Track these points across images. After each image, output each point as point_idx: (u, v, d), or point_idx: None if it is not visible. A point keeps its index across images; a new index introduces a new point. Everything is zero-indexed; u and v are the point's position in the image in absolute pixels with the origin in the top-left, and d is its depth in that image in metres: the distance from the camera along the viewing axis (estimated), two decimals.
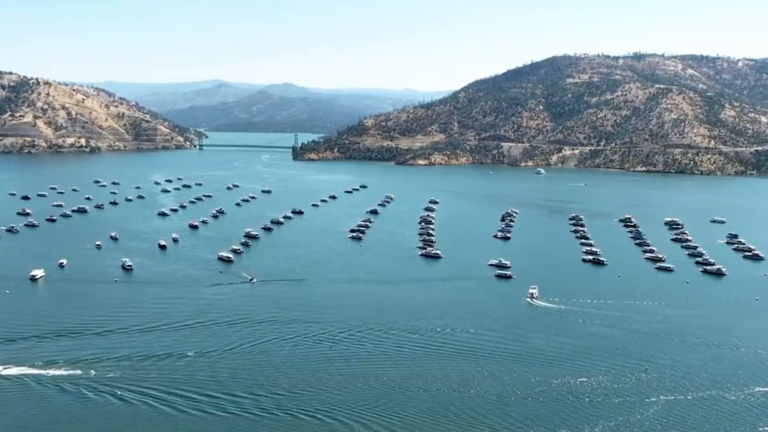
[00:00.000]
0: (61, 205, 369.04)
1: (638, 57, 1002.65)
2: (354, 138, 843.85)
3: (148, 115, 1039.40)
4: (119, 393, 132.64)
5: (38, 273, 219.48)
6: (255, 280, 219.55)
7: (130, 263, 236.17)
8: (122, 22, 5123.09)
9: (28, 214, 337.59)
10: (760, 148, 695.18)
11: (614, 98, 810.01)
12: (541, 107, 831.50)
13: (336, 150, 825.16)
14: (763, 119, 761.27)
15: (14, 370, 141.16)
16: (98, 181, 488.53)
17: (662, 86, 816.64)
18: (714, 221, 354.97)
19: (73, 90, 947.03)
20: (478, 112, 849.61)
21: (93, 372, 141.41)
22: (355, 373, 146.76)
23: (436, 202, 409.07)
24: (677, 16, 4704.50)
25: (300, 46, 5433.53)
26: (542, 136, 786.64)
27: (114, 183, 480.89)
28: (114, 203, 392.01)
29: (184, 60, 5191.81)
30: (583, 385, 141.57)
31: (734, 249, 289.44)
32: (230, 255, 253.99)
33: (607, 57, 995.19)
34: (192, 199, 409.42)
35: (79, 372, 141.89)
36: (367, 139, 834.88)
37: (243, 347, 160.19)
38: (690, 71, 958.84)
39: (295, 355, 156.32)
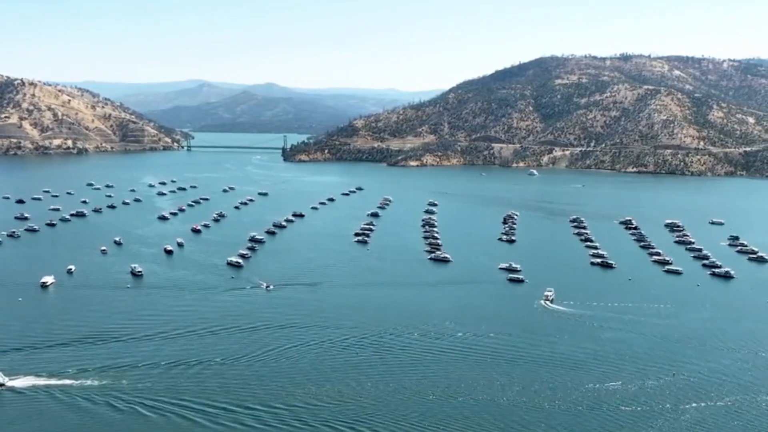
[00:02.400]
0: (58, 209, 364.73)
1: (625, 58, 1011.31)
2: (344, 139, 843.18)
3: (133, 116, 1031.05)
4: (148, 404, 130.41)
5: (49, 280, 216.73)
6: (271, 287, 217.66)
7: (140, 269, 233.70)
8: (100, 22, 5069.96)
9: (26, 219, 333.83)
10: (748, 149, 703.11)
11: (603, 99, 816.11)
12: (530, 108, 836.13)
13: (326, 151, 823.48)
14: (751, 120, 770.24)
15: (40, 381, 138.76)
16: (91, 184, 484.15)
17: (651, 87, 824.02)
18: (713, 223, 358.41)
19: (59, 91, 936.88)
20: (468, 113, 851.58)
21: (125, 382, 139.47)
22: (381, 381, 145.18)
23: (435, 205, 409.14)
24: (661, 17, 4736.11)
25: (282, 46, 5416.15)
26: (532, 137, 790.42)
27: (108, 186, 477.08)
28: (112, 207, 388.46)
29: (164, 59, 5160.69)
30: (614, 392, 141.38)
31: (738, 251, 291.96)
32: (239, 260, 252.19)
33: (595, 58, 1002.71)
34: (190, 202, 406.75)
35: (109, 382, 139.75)
36: (357, 140, 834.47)
37: (268, 354, 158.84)
38: (676, 72, 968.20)
39: (321, 363, 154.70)
